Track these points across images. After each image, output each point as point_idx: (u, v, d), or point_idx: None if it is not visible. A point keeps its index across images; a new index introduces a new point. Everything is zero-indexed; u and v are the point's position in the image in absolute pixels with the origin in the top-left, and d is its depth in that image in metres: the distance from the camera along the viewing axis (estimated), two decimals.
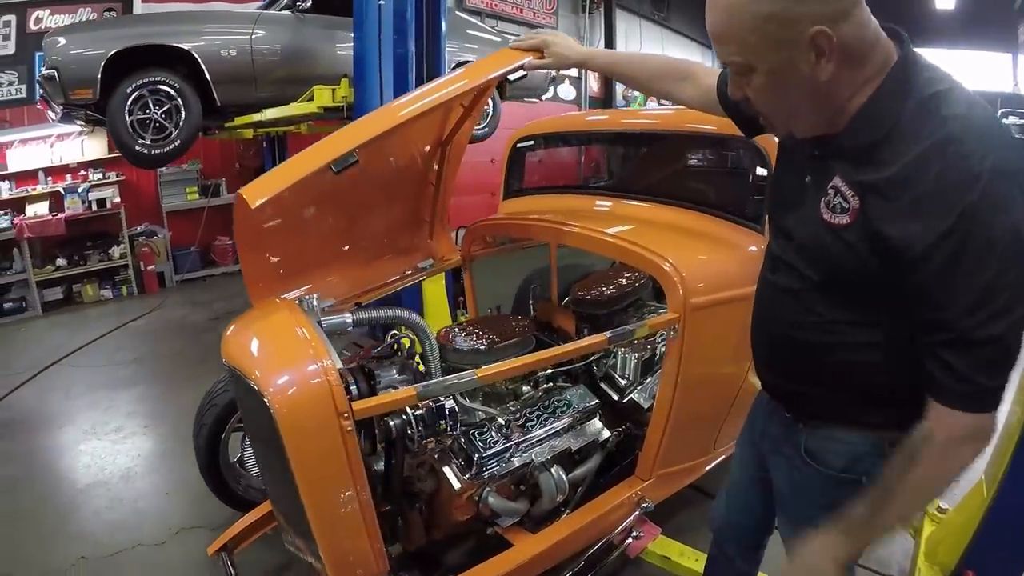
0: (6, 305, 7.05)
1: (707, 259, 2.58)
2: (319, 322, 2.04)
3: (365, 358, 2.40)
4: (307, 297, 2.18)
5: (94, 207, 7.56)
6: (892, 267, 1.08)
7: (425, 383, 1.82)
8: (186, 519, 3.34)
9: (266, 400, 1.68)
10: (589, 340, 2.25)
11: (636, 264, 2.49)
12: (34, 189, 7.39)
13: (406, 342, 2.45)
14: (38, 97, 5.46)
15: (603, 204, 3.13)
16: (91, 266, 7.58)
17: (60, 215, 7.30)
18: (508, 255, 3.58)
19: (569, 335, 2.94)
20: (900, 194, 1.05)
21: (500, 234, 3.35)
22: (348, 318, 2.09)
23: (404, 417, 2.07)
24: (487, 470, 2.26)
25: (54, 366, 5.57)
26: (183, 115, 5.08)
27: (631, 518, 2.64)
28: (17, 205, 7.28)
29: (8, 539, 3.24)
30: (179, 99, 5.07)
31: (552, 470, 2.43)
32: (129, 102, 4.88)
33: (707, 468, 2.98)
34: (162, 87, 4.95)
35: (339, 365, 1.73)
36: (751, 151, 2.68)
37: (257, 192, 1.78)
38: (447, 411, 2.09)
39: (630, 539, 2.60)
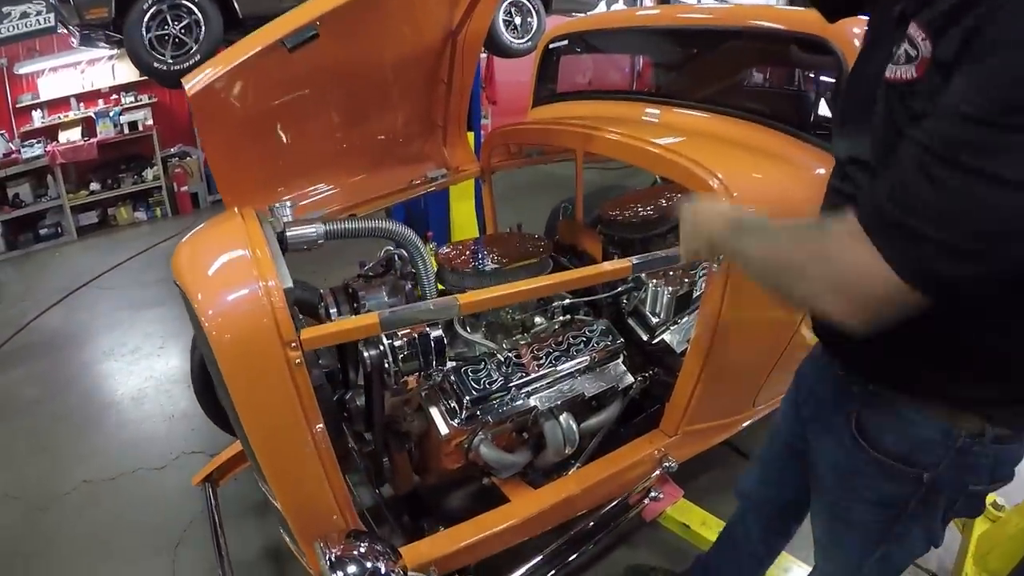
0: (42, 231, 7.05)
1: (763, 178, 2.12)
2: (283, 234, 1.71)
3: (349, 280, 2.09)
4: (277, 205, 1.85)
5: (126, 130, 7.42)
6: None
7: (392, 310, 1.47)
8: (187, 443, 3.33)
9: (204, 326, 1.38)
10: (610, 265, 1.86)
11: (676, 178, 2.06)
12: (66, 116, 7.26)
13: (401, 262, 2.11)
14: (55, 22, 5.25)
15: (647, 112, 2.65)
16: (125, 189, 7.51)
17: (92, 140, 7.18)
18: (540, 173, 3.17)
19: (595, 261, 2.54)
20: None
21: (523, 141, 2.91)
22: (314, 230, 1.74)
23: (381, 348, 1.75)
24: (480, 415, 1.94)
25: (83, 288, 5.58)
26: (203, 29, 4.80)
27: (651, 477, 2.32)
28: (50, 132, 7.19)
29: (21, 460, 3.34)
30: (198, 13, 4.79)
31: (560, 418, 2.09)
32: (147, 18, 4.63)
33: (743, 425, 2.61)
34: (180, 1, 4.65)
35: (288, 284, 1.40)
36: (823, 53, 2.18)
37: (197, 78, 1.44)
38: (432, 342, 1.75)
39: (647, 500, 2.28)
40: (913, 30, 0.81)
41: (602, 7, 8.11)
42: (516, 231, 2.68)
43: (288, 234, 1.71)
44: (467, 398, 1.90)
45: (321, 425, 1.49)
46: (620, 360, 2.29)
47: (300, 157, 2.33)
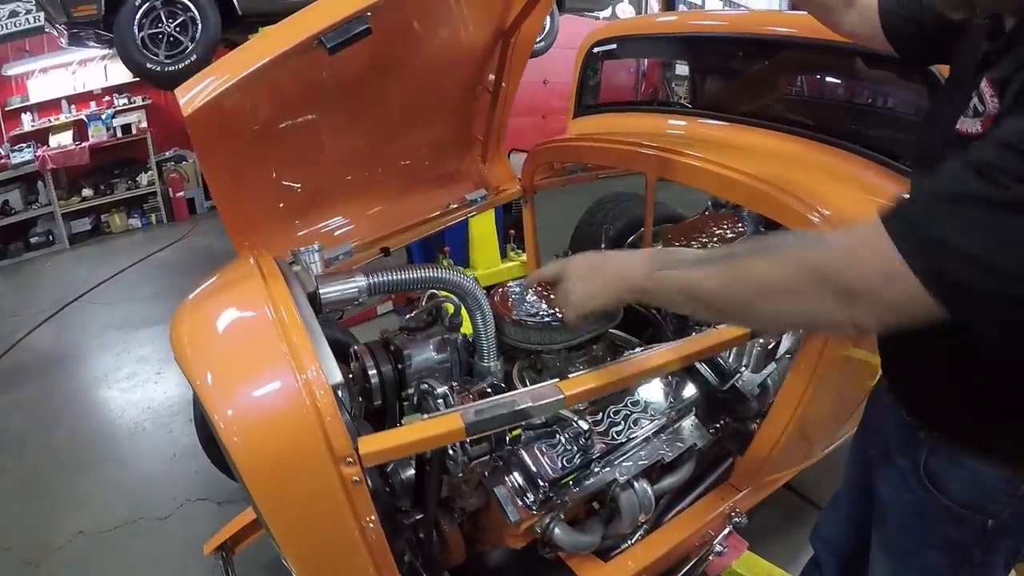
0: (33, 239, 6.59)
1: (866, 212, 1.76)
2: (315, 293, 1.32)
3: (389, 333, 1.70)
4: (304, 250, 1.46)
5: (119, 133, 7.00)
6: None
7: (478, 407, 1.09)
8: (192, 488, 2.93)
9: (220, 433, 0.99)
10: (728, 332, 1.51)
11: (773, 215, 1.71)
12: (57, 119, 6.81)
13: (449, 307, 1.73)
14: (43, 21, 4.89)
15: (708, 129, 2.27)
16: (118, 195, 7.07)
17: (84, 144, 6.76)
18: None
19: None
20: None
21: (573, 160, 2.53)
22: (355, 287, 1.35)
23: None
24: (556, 498, 1.57)
25: (75, 303, 5.16)
26: (199, 27, 4.48)
27: (720, 536, 2.02)
28: (40, 136, 6.75)
29: (8, 504, 2.96)
30: (195, 9, 4.45)
31: (637, 487, 1.74)
32: (138, 16, 4.30)
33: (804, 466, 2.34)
34: None
35: (335, 378, 1.01)
36: (919, 72, 1.85)
37: (194, 92, 1.05)
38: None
39: (712, 556, 2.00)
40: (984, 85, 0.84)
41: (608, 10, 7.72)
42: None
43: (322, 294, 1.31)
44: (543, 480, 1.53)
45: (386, 549, 1.11)
46: (694, 414, 1.95)
47: (321, 183, 1.95)
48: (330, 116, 1.77)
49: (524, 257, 4.33)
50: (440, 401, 1.34)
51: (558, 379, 1.26)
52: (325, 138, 1.84)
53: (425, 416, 1.15)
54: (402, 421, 1.19)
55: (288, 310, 1.09)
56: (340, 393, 1.02)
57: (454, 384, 1.47)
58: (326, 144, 1.85)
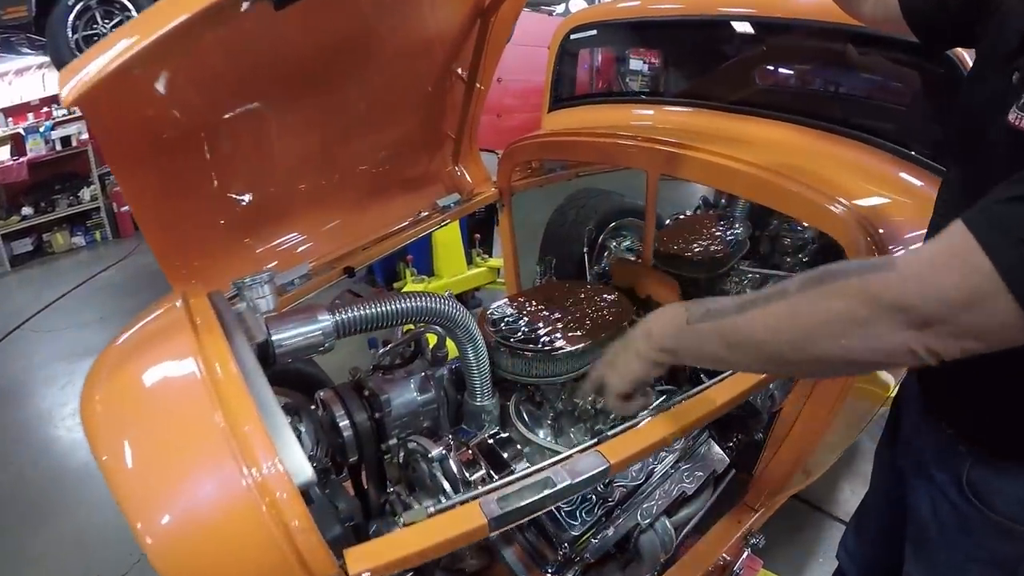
0: None
1: (903, 213, 1.54)
2: (267, 343, 0.99)
3: (361, 372, 1.38)
4: (249, 281, 1.13)
5: (59, 147, 6.39)
6: None
7: (504, 494, 0.80)
8: None
9: (147, 554, 0.67)
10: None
11: (794, 212, 1.47)
12: None
13: (431, 339, 1.42)
14: None
15: (702, 120, 1.99)
16: (60, 212, 6.45)
17: (22, 159, 6.15)
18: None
19: None
20: None
21: (560, 156, 2.23)
22: (319, 329, 1.03)
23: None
24: (576, 557, 1.29)
25: (16, 331, 4.63)
26: None
27: (739, 561, 1.81)
28: None
29: None
30: (133, 9, 4.06)
31: (657, 527, 1.48)
32: (72, 17, 3.91)
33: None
34: None
35: (304, 476, 0.69)
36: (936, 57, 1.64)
37: (83, 72, 0.72)
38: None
39: None
40: None
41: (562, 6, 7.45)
42: (550, 273, 2.02)
43: (277, 342, 0.99)
44: (566, 537, 1.24)
45: None
46: (709, 436, 1.71)
47: (268, 193, 1.61)
48: (277, 111, 1.42)
49: (492, 262, 4.05)
50: (436, 468, 1.03)
51: (592, 439, 0.99)
52: (272, 138, 1.49)
53: (430, 509, 0.85)
54: (401, 519, 0.88)
55: (228, 375, 0.77)
56: (313, 492, 0.71)
57: (449, 440, 1.16)
58: (274, 146, 1.50)
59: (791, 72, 2.19)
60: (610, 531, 1.36)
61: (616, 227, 2.77)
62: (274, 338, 0.99)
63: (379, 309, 1.10)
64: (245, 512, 0.67)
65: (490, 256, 4.18)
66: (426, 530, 0.77)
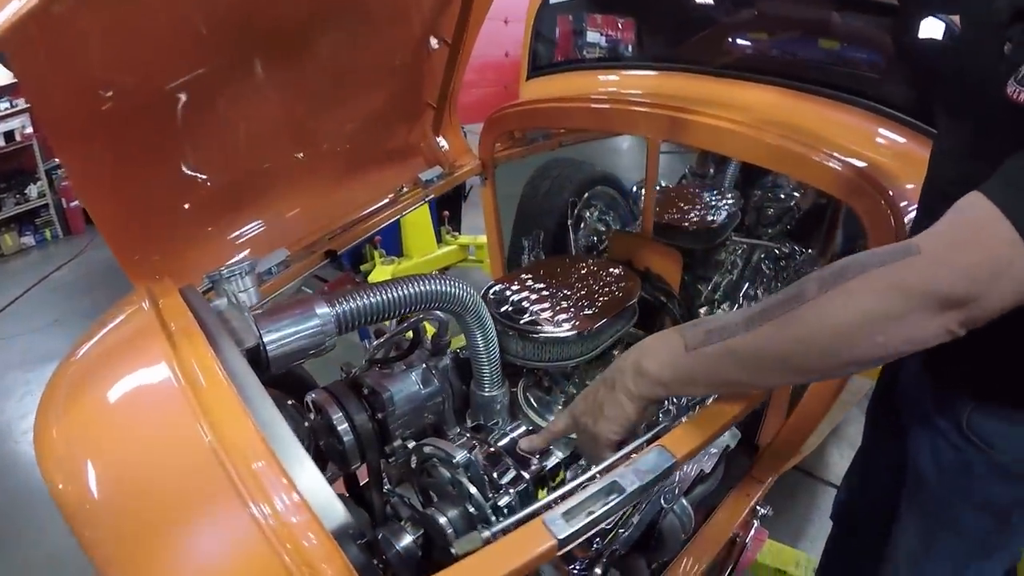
0: None
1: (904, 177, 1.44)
2: (259, 347, 0.81)
3: (356, 368, 1.22)
4: (227, 272, 0.94)
5: (2, 142, 5.91)
6: None
7: (569, 506, 0.67)
8: None
9: None
10: None
11: (814, 181, 1.36)
12: None
13: (429, 329, 1.26)
14: None
15: (692, 86, 1.86)
16: (7, 212, 5.97)
17: None
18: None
19: (664, 281, 1.76)
20: None
21: (550, 125, 2.07)
22: (318, 324, 0.87)
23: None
24: (605, 551, 1.17)
25: None
26: None
27: (751, 535, 1.75)
28: None
29: None
30: None
31: (676, 507, 1.38)
32: None
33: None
34: None
35: (341, 518, 0.54)
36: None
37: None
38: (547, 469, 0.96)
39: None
40: None
41: None
42: (538, 247, 1.88)
43: (271, 346, 0.81)
44: (595, 536, 1.12)
45: None
46: None
47: (236, 171, 1.41)
48: (243, 77, 1.22)
49: (462, 239, 3.88)
50: (460, 474, 0.88)
51: (646, 432, 0.87)
52: (238, 108, 1.28)
53: (485, 533, 0.71)
54: (453, 550, 0.74)
55: (220, 394, 0.60)
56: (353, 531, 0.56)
57: (471, 439, 1.01)
58: (240, 117, 1.29)
59: (775, 35, 2.08)
60: (635, 519, 1.25)
61: (588, 197, 2.66)
62: (267, 339, 0.81)
63: (385, 296, 0.94)
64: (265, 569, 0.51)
65: (460, 233, 4.02)
66: (487, 560, 0.63)
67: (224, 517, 0.52)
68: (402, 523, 1.18)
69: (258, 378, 0.67)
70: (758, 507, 1.77)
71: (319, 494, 0.54)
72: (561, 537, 0.65)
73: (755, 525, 1.76)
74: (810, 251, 2.20)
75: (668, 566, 1.54)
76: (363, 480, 1.26)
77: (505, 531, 0.71)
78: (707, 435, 0.84)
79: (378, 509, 1.22)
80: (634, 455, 0.79)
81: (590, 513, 0.69)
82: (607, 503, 0.71)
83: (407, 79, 1.64)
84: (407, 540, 1.14)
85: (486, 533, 0.73)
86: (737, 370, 0.76)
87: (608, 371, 0.88)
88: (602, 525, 0.71)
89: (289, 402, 1.13)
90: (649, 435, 0.90)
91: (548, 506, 0.74)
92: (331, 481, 1.27)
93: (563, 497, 0.73)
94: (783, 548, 2.01)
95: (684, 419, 0.95)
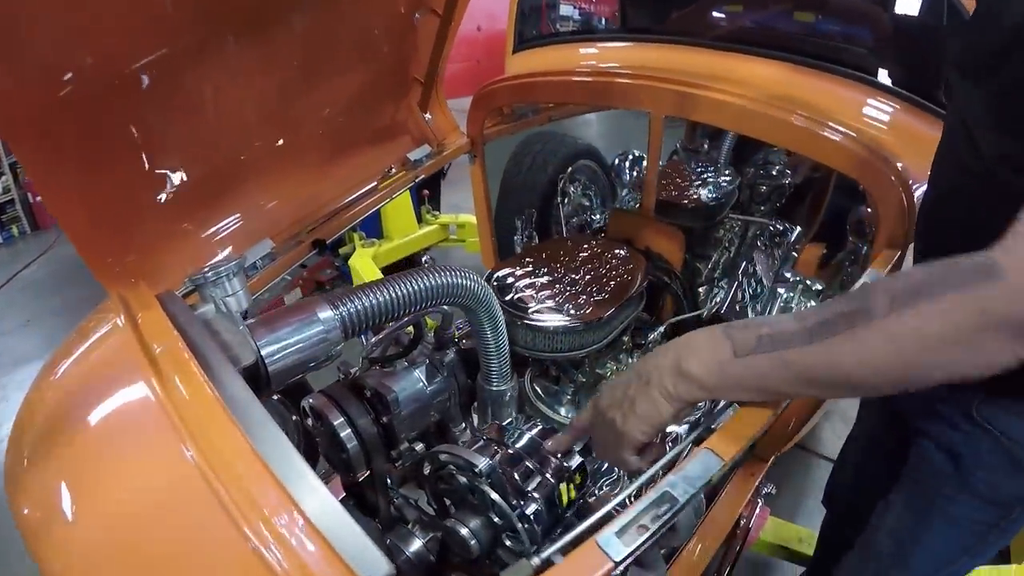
0: None
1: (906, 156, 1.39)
2: (255, 365, 0.72)
3: (355, 369, 1.13)
4: (211, 273, 0.84)
5: None
6: None
7: (621, 523, 0.65)
8: None
9: None
10: None
11: (818, 154, 1.30)
12: None
13: (431, 324, 1.17)
14: None
15: (688, 58, 1.76)
16: None
17: None
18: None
19: (666, 261, 1.69)
20: None
21: (545, 99, 1.98)
22: (322, 330, 0.77)
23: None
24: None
25: None
26: None
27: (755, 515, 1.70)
28: None
29: None
30: None
31: None
32: None
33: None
34: None
35: (382, 569, 0.46)
36: None
37: None
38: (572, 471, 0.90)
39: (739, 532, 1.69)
40: None
41: None
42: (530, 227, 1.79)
43: (271, 361, 0.72)
44: None
45: None
46: None
47: (211, 157, 1.28)
48: (214, 56, 1.09)
49: (443, 219, 3.77)
50: (483, 483, 0.81)
51: (692, 430, 0.84)
52: (210, 91, 1.15)
53: (535, 560, 0.65)
54: None
55: (222, 431, 0.51)
56: None
57: (489, 443, 0.94)
58: (213, 101, 1.17)
59: (768, 8, 1.99)
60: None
61: (572, 172, 2.57)
62: (265, 352, 0.72)
63: (394, 294, 0.84)
64: None
65: (440, 213, 3.92)
66: None
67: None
68: (410, 526, 1.11)
69: (262, 404, 0.58)
70: (762, 485, 1.77)
71: (365, 547, 0.45)
72: (618, 559, 0.59)
73: (759, 504, 1.76)
74: (798, 228, 2.16)
75: (678, 551, 1.52)
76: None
77: (554, 554, 0.64)
78: (752, 434, 0.78)
79: (384, 514, 1.15)
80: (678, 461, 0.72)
81: (643, 528, 0.63)
82: (660, 516, 0.65)
83: (392, 53, 1.51)
84: (417, 544, 1.08)
85: (536, 560, 0.66)
86: (795, 384, 0.71)
87: (642, 364, 0.81)
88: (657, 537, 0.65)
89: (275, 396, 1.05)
90: (693, 435, 0.84)
91: (596, 523, 0.68)
92: (327, 480, 1.19)
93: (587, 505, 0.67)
94: (784, 524, 2.01)
95: (723, 418, 0.88)
